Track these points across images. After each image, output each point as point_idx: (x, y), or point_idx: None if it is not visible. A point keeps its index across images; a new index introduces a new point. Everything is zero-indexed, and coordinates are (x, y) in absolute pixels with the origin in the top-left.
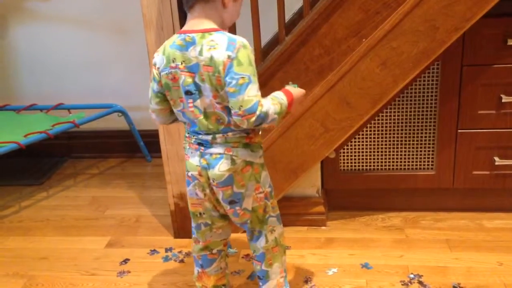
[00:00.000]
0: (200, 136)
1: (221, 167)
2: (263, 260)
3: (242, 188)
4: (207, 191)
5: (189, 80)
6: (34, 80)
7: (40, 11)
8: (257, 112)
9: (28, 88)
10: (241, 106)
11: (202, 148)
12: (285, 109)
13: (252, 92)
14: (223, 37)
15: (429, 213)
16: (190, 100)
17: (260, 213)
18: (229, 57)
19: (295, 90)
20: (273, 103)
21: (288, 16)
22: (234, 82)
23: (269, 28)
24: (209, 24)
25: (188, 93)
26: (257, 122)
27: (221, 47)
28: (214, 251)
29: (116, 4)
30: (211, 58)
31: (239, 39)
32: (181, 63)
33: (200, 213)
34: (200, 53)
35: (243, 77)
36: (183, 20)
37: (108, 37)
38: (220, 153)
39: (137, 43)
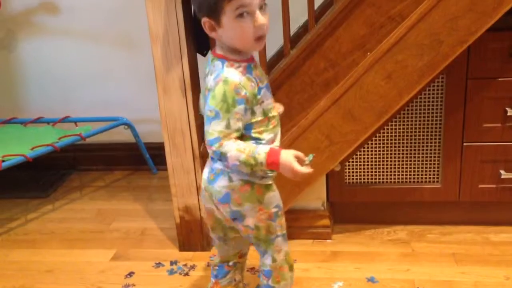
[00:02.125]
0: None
1: (219, 183)
2: (270, 277)
3: (239, 207)
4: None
5: (206, 92)
6: (41, 93)
7: (47, 25)
8: (213, 148)
9: (35, 101)
10: (205, 135)
11: (211, 162)
12: (258, 165)
13: (217, 127)
14: (219, 66)
15: (435, 226)
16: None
17: (263, 233)
18: (210, 87)
19: (290, 159)
20: (239, 150)
21: (293, 29)
22: (205, 111)
23: (275, 42)
24: (218, 49)
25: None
26: (214, 156)
27: (213, 76)
28: (230, 263)
29: (124, 18)
30: (207, 83)
31: (225, 74)
32: (206, 75)
33: (213, 227)
34: (208, 74)
35: (211, 111)
36: (189, 35)
37: (115, 51)
38: (221, 169)
39: (144, 57)
